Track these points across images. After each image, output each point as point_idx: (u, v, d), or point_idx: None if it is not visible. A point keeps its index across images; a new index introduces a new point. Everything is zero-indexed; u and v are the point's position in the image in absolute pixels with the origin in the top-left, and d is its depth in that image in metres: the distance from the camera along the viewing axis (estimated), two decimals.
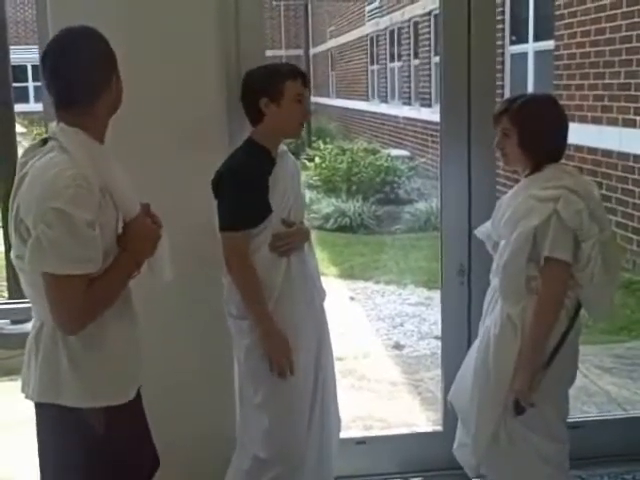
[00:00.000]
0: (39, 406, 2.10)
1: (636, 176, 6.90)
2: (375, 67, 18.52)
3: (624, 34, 6.94)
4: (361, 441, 3.49)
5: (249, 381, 2.79)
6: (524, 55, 9.29)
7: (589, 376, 4.62)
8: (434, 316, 5.96)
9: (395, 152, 13.18)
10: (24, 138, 13.17)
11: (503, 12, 9.49)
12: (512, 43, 9.67)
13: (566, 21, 8.04)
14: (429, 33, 13.45)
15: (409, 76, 15.25)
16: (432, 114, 12.01)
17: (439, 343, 3.62)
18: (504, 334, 2.64)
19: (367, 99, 18.88)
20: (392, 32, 16.70)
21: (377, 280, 7.51)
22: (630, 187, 6.97)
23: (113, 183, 2.02)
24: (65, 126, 2.01)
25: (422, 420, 4.33)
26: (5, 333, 5.05)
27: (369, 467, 3.45)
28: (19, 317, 4.87)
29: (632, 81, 6.87)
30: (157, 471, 2.28)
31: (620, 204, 7.04)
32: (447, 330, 3.46)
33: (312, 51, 22.46)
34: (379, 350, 5.71)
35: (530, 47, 9.19)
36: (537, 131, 2.64)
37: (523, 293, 2.61)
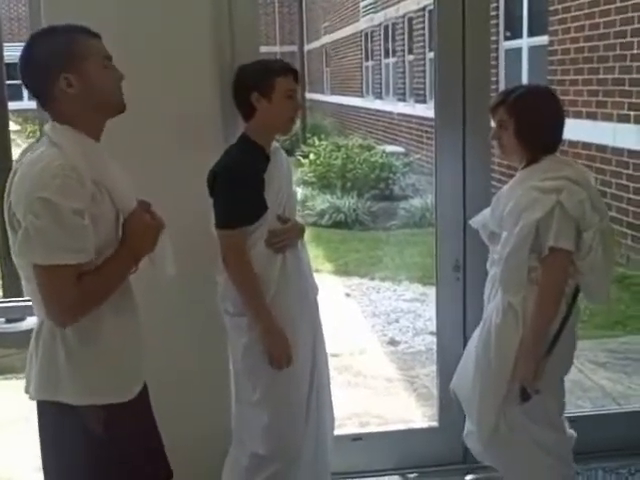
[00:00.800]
0: (40, 404, 2.09)
1: (630, 171, 6.92)
2: (370, 63, 18.53)
3: (618, 29, 6.94)
4: (357, 437, 3.49)
5: (247, 378, 2.79)
6: (518, 50, 9.30)
7: (584, 371, 4.63)
8: (429, 312, 5.97)
9: (390, 148, 13.18)
10: (18, 136, 13.14)
11: (497, 8, 9.51)
12: (506, 39, 9.68)
13: (560, 16, 8.05)
14: (423, 29, 13.45)
15: (404, 72, 15.25)
16: (427, 110, 12.03)
17: (434, 339, 3.63)
18: (505, 322, 2.67)
19: (362, 95, 18.88)
20: (386, 28, 16.70)
21: (372, 276, 7.52)
22: (624, 182, 6.99)
23: (107, 178, 2.02)
24: (56, 124, 2.02)
25: (418, 416, 4.34)
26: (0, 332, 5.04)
27: (365, 463, 3.45)
28: (14, 316, 4.86)
29: (626, 76, 6.88)
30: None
31: (614, 199, 7.05)
32: (442, 326, 3.47)
33: (306, 47, 22.44)
34: (374, 346, 5.71)
35: (524, 42, 9.21)
36: (534, 122, 2.65)
37: (523, 283, 2.64)
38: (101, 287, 2.01)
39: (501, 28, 9.66)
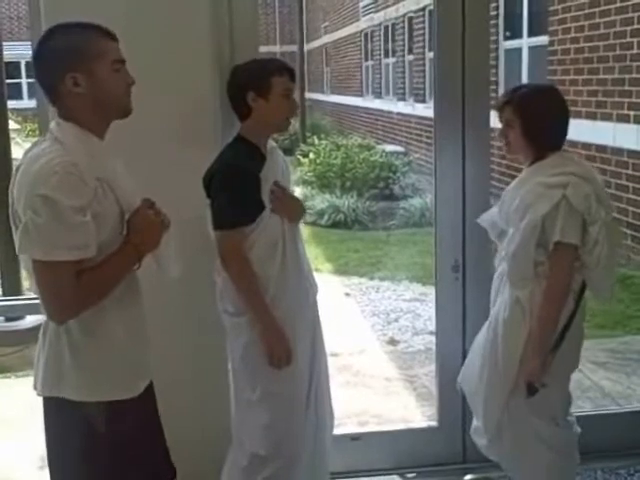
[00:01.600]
0: (45, 400, 2.10)
1: (630, 171, 6.91)
2: (369, 63, 18.52)
3: (618, 29, 6.94)
4: (356, 437, 3.49)
5: (246, 378, 2.79)
6: (518, 50, 9.30)
7: (583, 371, 4.63)
8: (429, 312, 5.97)
9: (389, 148, 13.18)
10: (17, 135, 13.14)
11: (497, 7, 9.50)
12: (506, 38, 9.68)
13: (560, 16, 8.05)
14: (423, 29, 13.45)
15: (403, 72, 15.25)
16: (426, 110, 12.03)
17: (434, 339, 3.63)
18: (513, 317, 2.70)
19: (361, 95, 18.88)
20: (386, 28, 16.69)
21: (372, 276, 7.52)
22: (624, 182, 6.99)
23: (110, 175, 2.02)
24: (61, 120, 2.03)
25: (417, 416, 4.33)
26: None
27: (364, 463, 3.45)
28: (14, 314, 4.87)
29: (626, 76, 6.88)
30: None
31: (614, 199, 7.03)
32: (442, 326, 3.47)
33: (306, 47, 22.43)
34: (374, 346, 5.71)
35: (524, 42, 9.21)
36: (540, 121, 2.68)
37: (531, 278, 2.67)
38: (101, 283, 2.01)
39: (501, 28, 9.66)
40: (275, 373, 2.70)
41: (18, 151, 2.13)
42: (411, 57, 14.69)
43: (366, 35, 18.61)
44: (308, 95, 20.54)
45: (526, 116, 2.66)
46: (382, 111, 16.27)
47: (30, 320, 4.55)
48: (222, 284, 2.76)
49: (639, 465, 3.46)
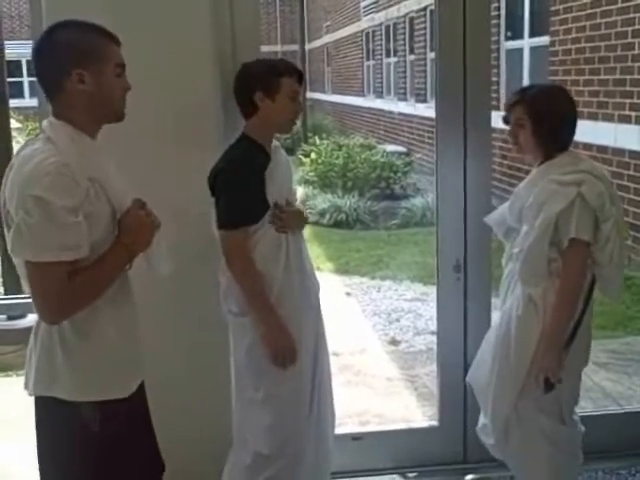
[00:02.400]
0: (37, 400, 2.09)
1: (631, 172, 6.91)
2: (371, 62, 18.52)
3: (620, 30, 6.93)
4: (357, 437, 3.49)
5: (250, 378, 2.78)
6: (519, 51, 9.30)
7: (585, 371, 4.62)
8: (430, 312, 5.96)
9: (391, 148, 13.18)
10: (19, 133, 13.13)
11: (498, 8, 9.50)
12: (507, 39, 9.67)
13: (561, 17, 8.04)
14: (425, 29, 13.44)
15: (405, 72, 15.25)
16: (427, 110, 12.02)
17: (435, 338, 3.63)
18: (526, 315, 2.71)
19: (363, 95, 18.88)
20: (388, 28, 16.69)
21: (373, 276, 7.52)
22: (625, 183, 6.98)
23: (102, 176, 2.02)
24: (54, 119, 2.03)
25: (418, 415, 4.33)
26: (0, 329, 5.05)
27: (365, 462, 3.45)
28: (15, 313, 4.87)
29: (628, 77, 6.87)
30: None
31: None
32: (443, 325, 3.47)
33: (308, 46, 22.45)
34: (375, 346, 5.71)
35: (525, 43, 9.20)
36: (551, 120, 2.70)
37: (543, 275, 2.68)
38: (94, 284, 2.01)
39: (502, 28, 9.65)
40: (279, 373, 2.70)
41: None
42: (412, 57, 14.69)
43: (367, 35, 18.61)
44: (309, 95, 20.52)
45: (537, 115, 2.68)
46: (383, 111, 16.27)
47: (31, 319, 4.56)
48: (226, 284, 2.76)
49: None
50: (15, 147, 5.51)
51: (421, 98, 13.66)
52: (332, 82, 23.19)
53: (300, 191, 10.24)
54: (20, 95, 18.53)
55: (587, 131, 7.32)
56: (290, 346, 2.68)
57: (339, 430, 3.15)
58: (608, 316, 5.53)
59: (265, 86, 2.67)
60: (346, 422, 3.94)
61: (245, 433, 2.83)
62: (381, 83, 17.51)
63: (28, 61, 17.77)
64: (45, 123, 2.04)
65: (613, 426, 3.57)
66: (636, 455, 3.51)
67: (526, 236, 2.70)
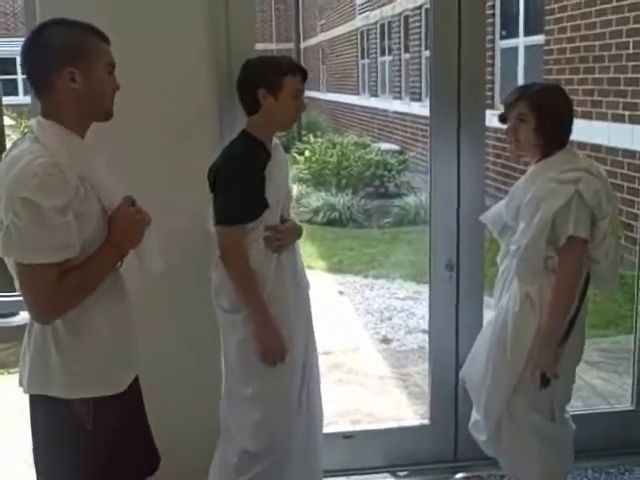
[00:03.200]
0: (32, 397, 2.10)
1: (625, 171, 6.93)
2: (365, 61, 18.51)
3: (614, 29, 6.95)
4: (348, 435, 3.49)
5: (240, 374, 2.78)
6: (514, 50, 9.31)
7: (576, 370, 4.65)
8: (422, 310, 5.97)
9: (385, 146, 13.17)
10: (13, 131, 13.08)
11: (493, 6, 9.50)
12: (502, 37, 9.68)
13: (556, 16, 8.05)
14: (420, 27, 13.44)
15: (399, 70, 15.25)
16: (422, 108, 12.02)
17: (427, 337, 3.63)
18: (523, 311, 2.74)
19: (357, 93, 18.87)
20: (383, 26, 16.68)
21: (366, 274, 7.52)
22: (619, 182, 7.00)
23: (92, 174, 2.02)
24: (41, 119, 2.03)
25: (409, 414, 4.34)
26: None
27: (356, 461, 3.46)
28: (7, 310, 4.85)
29: (621, 76, 6.88)
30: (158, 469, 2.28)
31: None
32: (435, 324, 3.47)
33: (303, 45, 22.41)
34: (367, 344, 5.72)
35: (520, 42, 9.21)
36: (554, 116, 2.73)
37: (540, 273, 2.71)
38: (84, 283, 2.01)
39: (497, 27, 9.66)
40: (269, 370, 2.70)
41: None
42: (407, 56, 14.68)
43: (362, 33, 18.59)
44: (305, 93, 20.48)
45: (541, 112, 2.70)
46: (378, 109, 16.27)
47: (23, 316, 4.54)
48: (218, 280, 2.75)
49: (630, 464, 3.48)
50: (8, 145, 5.49)
51: (416, 97, 13.65)
52: (327, 80, 23.17)
53: (293, 189, 10.24)
54: (14, 92, 18.47)
55: (581, 130, 7.33)
56: (280, 345, 2.68)
57: (330, 428, 3.16)
58: (599, 315, 5.54)
59: (269, 84, 2.67)
60: (337, 420, 3.95)
61: (232, 430, 2.83)
62: (376, 81, 17.50)
63: None
64: (33, 123, 2.04)
65: (603, 425, 3.58)
66: (626, 454, 3.52)
67: (523, 233, 2.72)
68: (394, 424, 3.83)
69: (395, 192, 10.93)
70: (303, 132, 14.34)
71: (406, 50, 14.77)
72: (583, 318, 2.79)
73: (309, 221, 9.42)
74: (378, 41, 17.30)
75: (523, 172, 2.86)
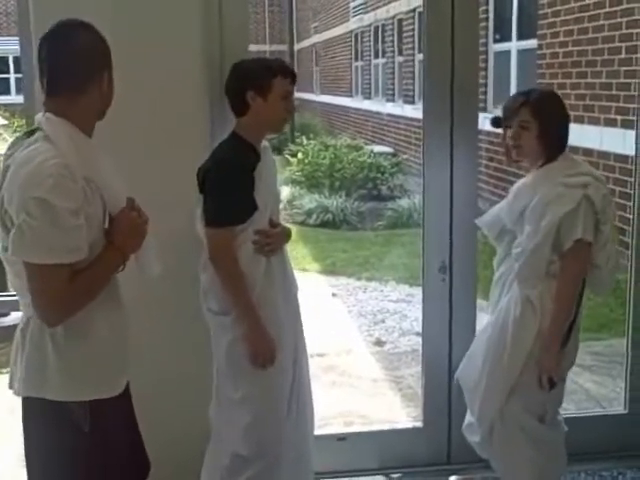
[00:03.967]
0: (25, 400, 2.08)
1: (617, 175, 6.95)
2: (359, 63, 18.51)
3: (606, 34, 6.97)
4: (342, 437, 3.49)
5: (229, 377, 2.78)
6: (507, 53, 9.32)
7: (568, 373, 4.65)
8: (415, 313, 5.96)
9: (378, 148, 13.18)
10: (5, 130, 13.05)
11: (487, 10, 9.52)
12: (495, 41, 9.70)
13: (549, 20, 8.07)
14: (413, 30, 13.45)
15: (393, 73, 15.26)
16: (415, 111, 12.03)
17: (420, 340, 3.63)
18: (524, 316, 2.74)
19: (351, 95, 18.87)
20: (376, 29, 16.69)
21: (359, 276, 7.52)
22: (611, 186, 7.00)
23: (98, 175, 2.02)
24: (52, 116, 2.01)
25: (402, 416, 4.34)
26: None
27: (349, 463, 3.45)
28: (1, 311, 4.83)
29: (614, 81, 6.90)
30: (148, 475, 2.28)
31: None
32: (428, 327, 3.48)
33: (296, 46, 22.42)
34: (360, 346, 5.71)
35: (513, 45, 9.23)
36: (555, 122, 2.77)
37: (542, 277, 2.72)
38: (91, 286, 2.01)
39: (490, 30, 9.67)
40: (258, 373, 2.69)
41: (5, 147, 2.11)
42: (401, 58, 14.69)
43: (356, 36, 18.60)
44: (297, 95, 20.45)
45: (544, 118, 2.72)
46: (371, 112, 16.27)
47: (15, 316, 4.52)
48: (207, 282, 2.75)
49: (622, 467, 3.48)
50: (1, 144, 5.47)
51: (409, 99, 13.66)
52: (320, 82, 23.17)
53: (285, 191, 10.23)
54: (6, 91, 18.41)
55: (573, 134, 7.33)
56: (269, 347, 2.68)
57: (324, 430, 3.16)
58: (592, 318, 5.55)
59: (258, 85, 2.66)
60: (331, 422, 3.94)
61: (222, 433, 2.83)
62: (369, 84, 17.51)
63: (15, 57, 17.66)
64: (42, 119, 2.02)
65: (596, 428, 3.59)
66: (619, 457, 3.53)
67: (529, 237, 2.73)
68: (387, 426, 3.84)
69: (388, 195, 10.93)
70: (296, 134, 14.34)
71: (400, 53, 14.79)
72: (579, 322, 2.81)
73: (302, 223, 9.41)
74: (372, 44, 17.31)
75: (515, 175, 2.88)
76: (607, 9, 6.94)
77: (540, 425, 2.84)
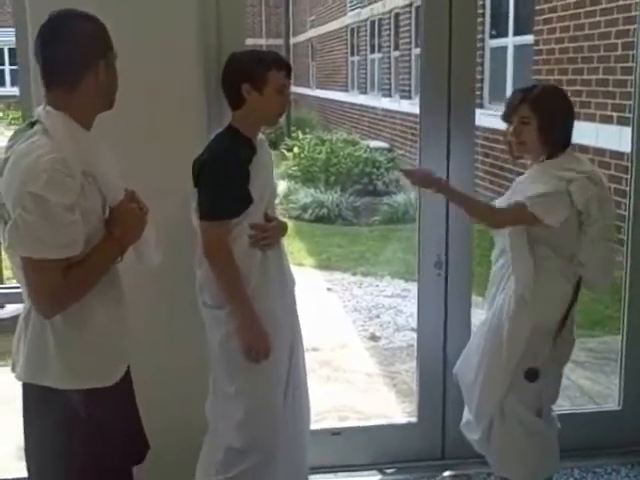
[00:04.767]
0: (25, 386, 2.10)
1: (612, 172, 6.95)
2: (355, 58, 18.51)
3: (603, 30, 6.97)
4: (336, 432, 3.49)
5: (224, 371, 2.77)
6: (504, 49, 9.33)
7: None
8: (410, 308, 5.97)
9: (374, 143, 13.18)
10: (0, 122, 13.01)
11: (484, 6, 9.52)
12: (492, 37, 9.70)
13: (546, 16, 8.07)
14: (410, 25, 13.44)
15: (389, 68, 15.25)
16: (412, 106, 12.03)
17: (415, 335, 3.64)
18: (518, 310, 2.75)
19: (347, 90, 18.86)
20: (373, 23, 16.68)
21: (354, 271, 7.51)
22: (607, 183, 7.02)
23: (97, 168, 2.01)
24: (51, 109, 2.00)
25: (397, 412, 4.35)
26: None
27: (344, 458, 3.46)
28: None
29: (610, 77, 6.91)
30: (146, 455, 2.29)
31: None
32: (423, 322, 3.47)
33: (292, 41, 22.40)
34: (355, 341, 5.71)
35: (510, 41, 9.23)
36: (556, 118, 2.76)
37: (532, 270, 2.73)
38: (87, 277, 2.02)
39: (487, 26, 9.68)
40: (253, 368, 2.69)
41: (1, 139, 2.11)
42: (397, 53, 14.69)
43: (352, 30, 18.59)
44: (293, 89, 20.45)
45: (544, 113, 2.72)
46: (367, 107, 16.27)
47: (10, 309, 4.52)
48: (202, 276, 2.74)
49: (616, 464, 3.49)
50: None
51: (405, 94, 13.66)
52: (316, 77, 23.15)
53: (282, 185, 10.22)
54: (1, 83, 18.36)
55: None
56: (264, 342, 2.67)
57: (318, 425, 3.16)
58: (586, 315, 5.56)
59: (253, 78, 2.65)
60: (325, 417, 3.94)
61: (218, 426, 2.83)
62: (365, 79, 17.51)
63: (10, 49, 17.58)
64: (41, 112, 2.01)
65: (590, 425, 3.60)
66: (612, 454, 3.54)
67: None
68: (382, 421, 3.84)
69: (384, 190, 10.93)
70: (292, 128, 14.33)
71: (396, 48, 14.78)
72: (573, 317, 2.81)
73: (297, 218, 9.40)
74: (368, 38, 17.30)
75: (511, 171, 2.87)
76: (604, 5, 6.95)
77: (538, 420, 2.85)
